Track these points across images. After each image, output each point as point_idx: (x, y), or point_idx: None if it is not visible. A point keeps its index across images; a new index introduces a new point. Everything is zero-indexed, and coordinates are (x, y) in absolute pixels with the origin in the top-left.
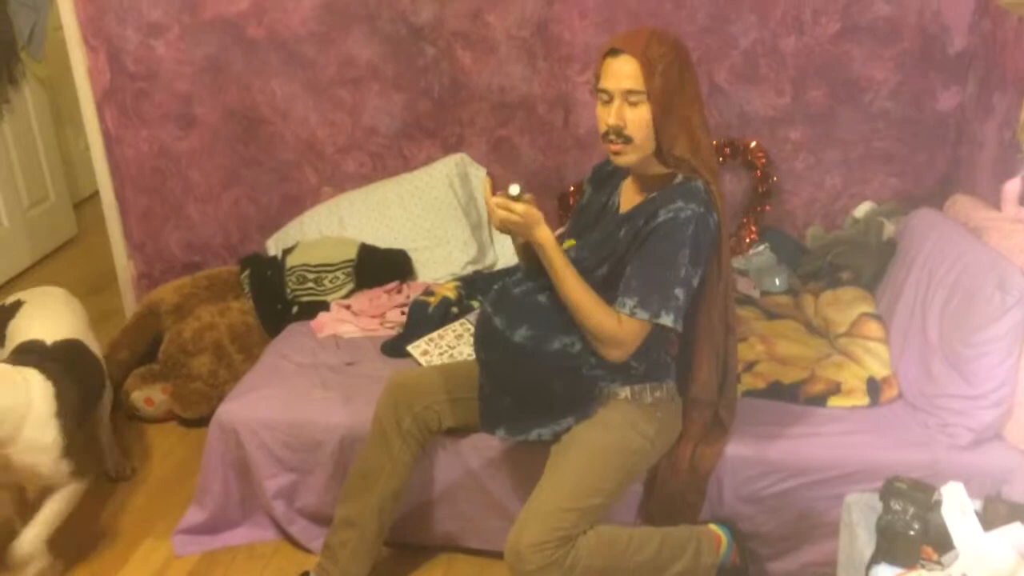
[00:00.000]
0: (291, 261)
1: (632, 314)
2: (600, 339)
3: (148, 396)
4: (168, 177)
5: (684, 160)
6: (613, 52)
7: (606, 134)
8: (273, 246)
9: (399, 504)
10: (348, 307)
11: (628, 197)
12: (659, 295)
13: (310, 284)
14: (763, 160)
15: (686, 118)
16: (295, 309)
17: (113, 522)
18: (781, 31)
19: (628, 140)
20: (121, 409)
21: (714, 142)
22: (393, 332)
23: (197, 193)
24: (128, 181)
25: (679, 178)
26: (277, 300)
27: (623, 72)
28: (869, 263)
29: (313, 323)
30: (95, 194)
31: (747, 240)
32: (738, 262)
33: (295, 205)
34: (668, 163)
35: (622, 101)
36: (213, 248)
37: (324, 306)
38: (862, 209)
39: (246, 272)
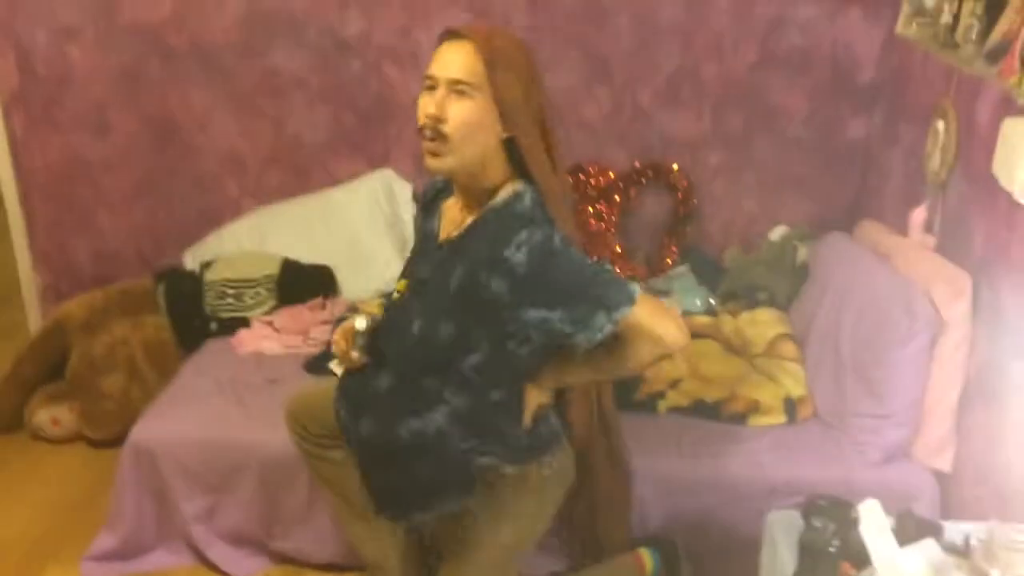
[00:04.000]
0: (210, 275)
1: (615, 323)
2: (660, 353)
3: (54, 416)
4: (78, 185)
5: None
6: (451, 36)
7: (422, 128)
8: (191, 260)
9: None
10: (270, 323)
11: (450, 218)
12: (611, 290)
13: (230, 299)
14: (684, 183)
15: (529, 138)
16: (214, 325)
17: (14, 547)
18: (702, 58)
19: (444, 138)
20: (24, 429)
21: (636, 163)
22: (316, 349)
23: (109, 202)
24: (35, 188)
25: (502, 195)
26: (195, 316)
27: (456, 60)
28: (784, 285)
29: (233, 340)
30: None
31: (668, 260)
32: (659, 282)
33: (214, 218)
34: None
35: (448, 91)
36: (125, 260)
37: (244, 322)
38: (777, 232)
39: (161, 286)
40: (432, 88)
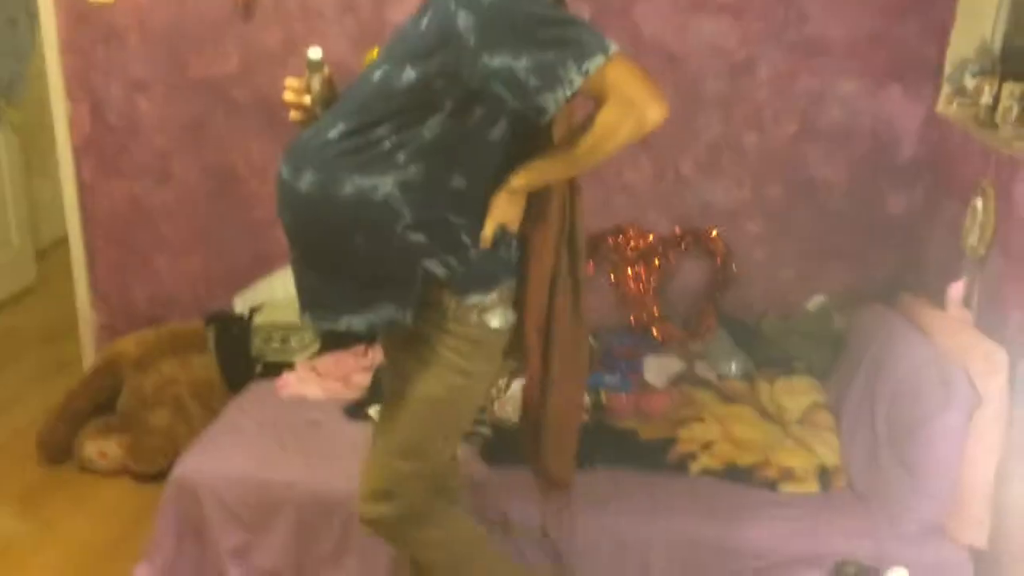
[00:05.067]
0: (259, 319)
1: (585, 74)
2: (635, 126)
3: (102, 449)
4: (139, 230)
5: None
6: None
7: None
8: (240, 304)
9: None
10: (313, 368)
11: None
12: (584, 35)
13: (276, 343)
14: (723, 249)
15: None
16: (259, 368)
17: None
18: (743, 128)
19: None
20: (73, 461)
21: (676, 229)
22: (357, 395)
23: (167, 247)
24: (99, 231)
25: None
26: (242, 358)
27: None
28: (821, 354)
29: (277, 382)
30: (57, 243)
31: (706, 325)
32: (696, 346)
33: (265, 264)
34: None
35: None
36: (179, 303)
37: (289, 366)
38: (815, 302)
39: (211, 328)
40: None
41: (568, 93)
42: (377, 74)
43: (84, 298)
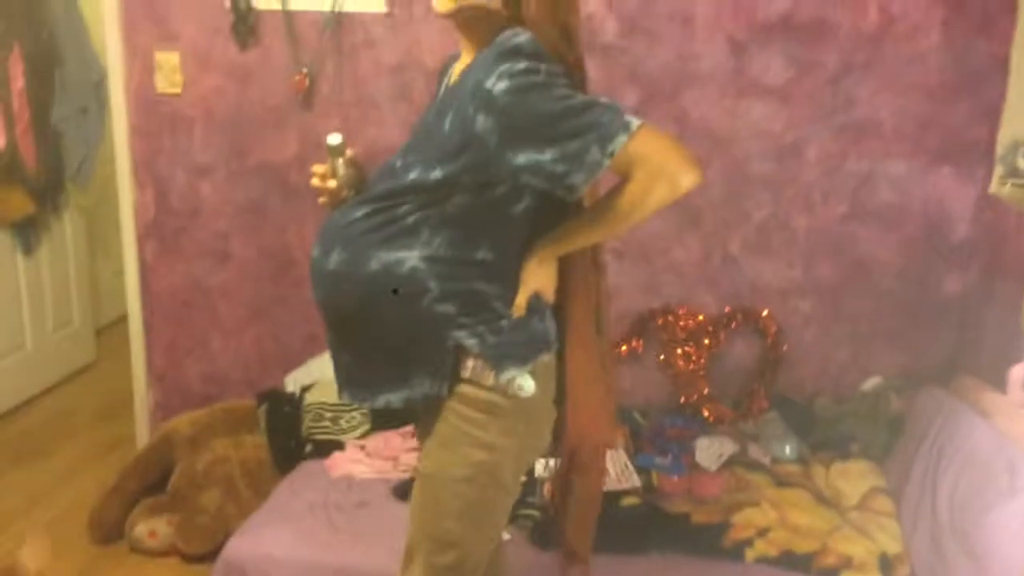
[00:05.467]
0: (309, 399)
1: (610, 155)
2: (667, 192)
3: (152, 528)
4: (197, 310)
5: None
6: None
7: None
8: (291, 383)
9: None
10: (363, 448)
11: (455, 73)
12: (604, 118)
13: (326, 423)
14: (774, 329)
15: None
16: (309, 447)
17: None
18: (793, 209)
19: None
20: (124, 540)
21: (726, 308)
22: (406, 475)
23: (223, 327)
24: (157, 311)
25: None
26: (292, 437)
27: None
28: (878, 437)
29: (327, 462)
30: (116, 322)
31: (757, 406)
32: (748, 427)
33: (316, 344)
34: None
35: None
36: (232, 382)
37: (339, 445)
38: (870, 383)
39: (263, 407)
40: None
41: (597, 173)
42: (406, 171)
43: (140, 377)
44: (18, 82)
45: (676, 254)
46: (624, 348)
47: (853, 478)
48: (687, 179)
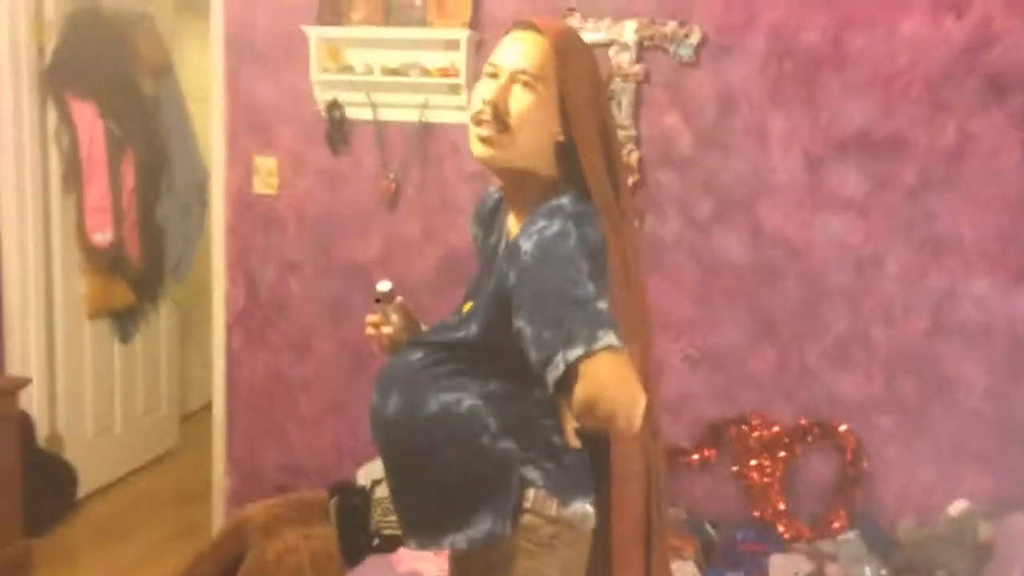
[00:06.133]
0: (379, 492)
1: (567, 363)
2: (595, 424)
3: None
4: (278, 400)
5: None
6: (520, 26)
7: (478, 114)
8: (363, 476)
9: None
10: None
11: (512, 229)
12: (578, 322)
13: (394, 517)
14: (853, 444)
15: (587, 142)
16: (377, 541)
17: None
18: (872, 322)
19: (504, 127)
20: None
21: (802, 420)
22: None
23: (301, 418)
24: (240, 400)
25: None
26: (361, 530)
27: (526, 50)
28: (964, 564)
29: (393, 556)
30: (199, 410)
31: (835, 524)
32: (826, 545)
33: None
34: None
35: (511, 81)
36: (306, 472)
37: None
38: (957, 507)
39: (334, 499)
40: (494, 76)
41: (554, 376)
42: (455, 329)
43: (220, 463)
44: (129, 182)
45: (752, 364)
46: (696, 457)
47: None
48: (619, 425)
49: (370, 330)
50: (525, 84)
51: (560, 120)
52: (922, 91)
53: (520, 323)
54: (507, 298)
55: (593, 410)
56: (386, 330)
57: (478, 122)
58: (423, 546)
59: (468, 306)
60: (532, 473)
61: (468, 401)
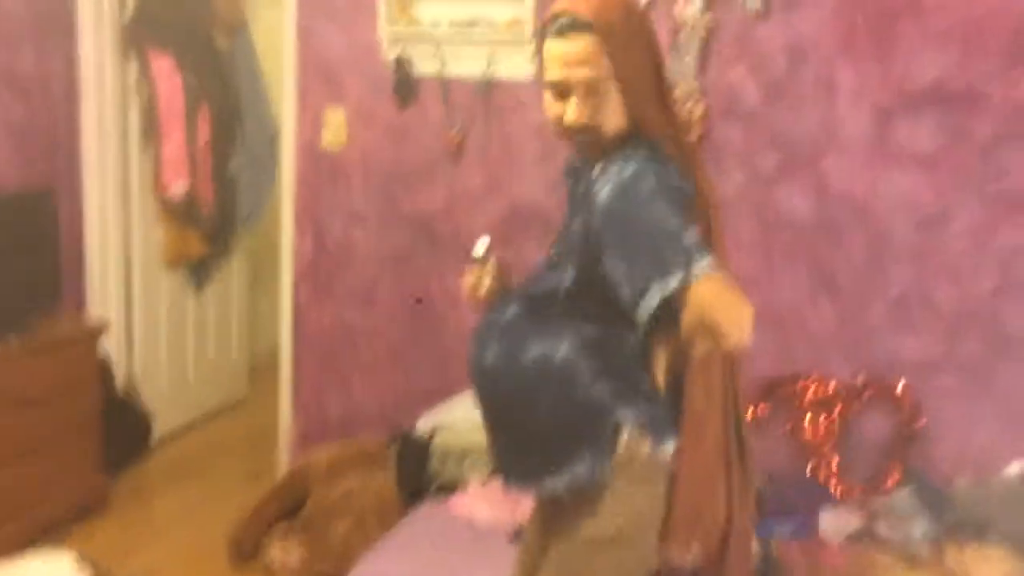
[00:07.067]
0: (438, 440)
1: (665, 292)
2: (708, 346)
3: (286, 552)
4: (341, 349)
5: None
6: (557, 30)
7: (565, 133)
8: (423, 424)
9: None
10: (485, 491)
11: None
12: (673, 252)
13: (452, 464)
14: (910, 403)
15: (648, 103)
16: (435, 487)
17: None
18: (937, 281)
19: (596, 132)
20: (259, 561)
21: (859, 379)
22: (525, 521)
23: (363, 367)
24: (306, 349)
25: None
26: (419, 476)
27: (581, 58)
28: (1019, 524)
29: (449, 503)
30: (268, 356)
31: (889, 482)
32: (878, 503)
33: (448, 388)
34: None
35: (583, 97)
36: (369, 419)
37: (462, 487)
38: (1015, 467)
39: (394, 446)
40: (562, 95)
41: (648, 309)
42: (550, 273)
43: (286, 409)
44: (204, 135)
45: (810, 322)
46: (751, 413)
47: (992, 563)
48: (731, 339)
49: (467, 290)
50: (589, 91)
51: (622, 94)
52: (1000, 43)
53: (611, 263)
54: (594, 243)
55: (703, 331)
56: (481, 291)
57: (562, 137)
58: (521, 489)
59: (555, 252)
60: (626, 414)
61: (563, 349)
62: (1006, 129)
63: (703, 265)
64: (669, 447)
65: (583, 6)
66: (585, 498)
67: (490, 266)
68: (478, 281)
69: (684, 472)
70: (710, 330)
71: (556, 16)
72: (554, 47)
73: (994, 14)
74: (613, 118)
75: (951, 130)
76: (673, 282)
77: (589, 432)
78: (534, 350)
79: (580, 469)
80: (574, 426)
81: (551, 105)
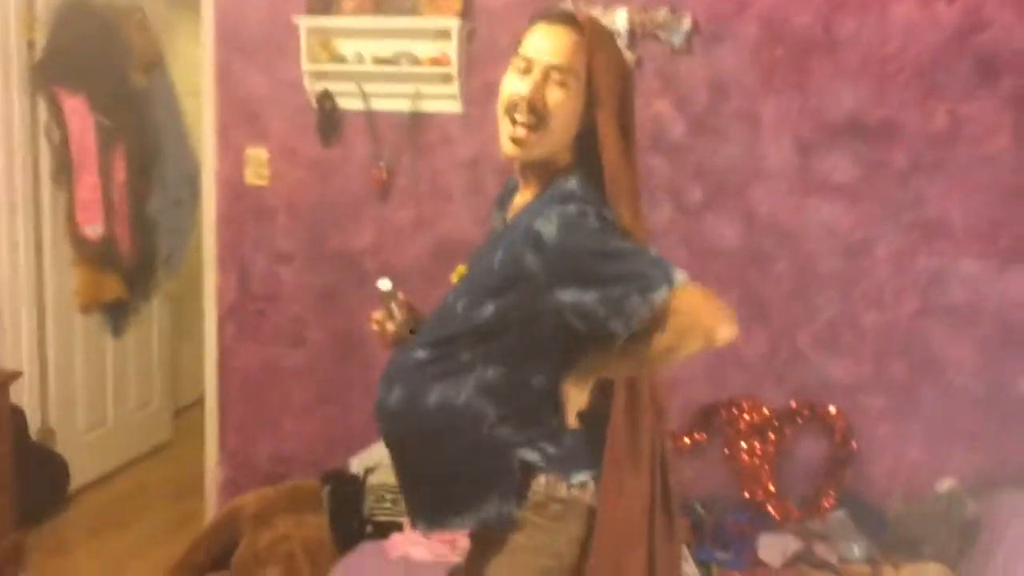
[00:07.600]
0: (372, 480)
1: (651, 306)
2: (702, 343)
3: None
4: (270, 391)
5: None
6: (549, 19)
7: (510, 110)
8: (356, 464)
9: None
10: None
11: (513, 209)
12: (647, 267)
13: (388, 504)
14: (842, 425)
15: (608, 123)
16: (370, 528)
17: None
18: (862, 305)
19: (542, 123)
20: None
21: (792, 403)
22: (463, 559)
23: (293, 408)
24: (232, 392)
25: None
26: (354, 517)
27: (559, 45)
28: (952, 540)
29: (386, 543)
30: (192, 404)
31: (824, 504)
32: (815, 525)
33: None
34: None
35: (544, 76)
36: (299, 461)
37: (399, 527)
38: (945, 485)
39: (327, 487)
40: (526, 71)
41: (634, 323)
42: (459, 305)
43: (212, 454)
44: (120, 176)
45: (743, 347)
46: (687, 440)
47: None
48: (722, 334)
49: (374, 326)
50: (560, 80)
51: (587, 106)
52: (913, 75)
53: (570, 294)
54: (523, 278)
55: (697, 332)
56: (389, 327)
57: (512, 119)
58: (430, 528)
59: (461, 269)
60: (531, 455)
61: (465, 393)
62: (921, 159)
63: (681, 276)
64: (582, 477)
65: (582, 15)
66: (507, 539)
67: (393, 307)
68: (387, 316)
69: (605, 520)
70: (704, 330)
71: (545, 14)
72: (540, 28)
73: (905, 49)
74: (564, 120)
75: (869, 160)
76: (663, 292)
77: (493, 475)
78: (436, 394)
79: (489, 509)
80: (478, 469)
81: (510, 81)
